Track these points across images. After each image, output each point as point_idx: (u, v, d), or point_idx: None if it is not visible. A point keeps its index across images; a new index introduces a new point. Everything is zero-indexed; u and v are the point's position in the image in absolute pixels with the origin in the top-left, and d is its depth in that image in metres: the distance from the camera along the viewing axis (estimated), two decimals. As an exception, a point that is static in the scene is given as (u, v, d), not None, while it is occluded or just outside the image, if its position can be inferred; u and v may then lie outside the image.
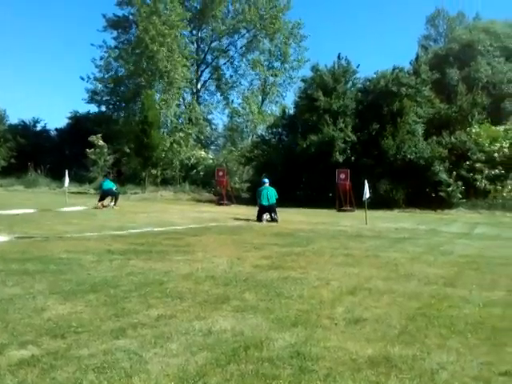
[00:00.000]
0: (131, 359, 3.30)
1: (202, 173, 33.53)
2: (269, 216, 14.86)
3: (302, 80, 30.51)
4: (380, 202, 22.05)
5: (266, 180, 15.74)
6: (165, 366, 3.21)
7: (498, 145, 25.11)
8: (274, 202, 15.17)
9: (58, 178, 29.62)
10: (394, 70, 27.06)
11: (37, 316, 4.19)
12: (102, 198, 18.45)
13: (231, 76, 44.05)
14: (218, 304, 4.78)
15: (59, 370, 3.10)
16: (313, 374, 3.15)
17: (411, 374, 3.21)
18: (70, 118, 42.46)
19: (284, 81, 43.57)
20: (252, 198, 16.64)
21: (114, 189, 19.18)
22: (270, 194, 15.12)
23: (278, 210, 15.39)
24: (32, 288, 5.15)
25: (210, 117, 43.57)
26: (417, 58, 29.34)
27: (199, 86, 43.28)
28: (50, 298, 4.79)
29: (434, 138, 25.53)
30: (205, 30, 42.89)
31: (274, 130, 30.82)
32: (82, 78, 40.50)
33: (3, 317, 4.13)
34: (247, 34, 42.06)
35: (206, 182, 31.54)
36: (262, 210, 14.95)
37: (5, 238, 8.81)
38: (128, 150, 33.38)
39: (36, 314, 4.26)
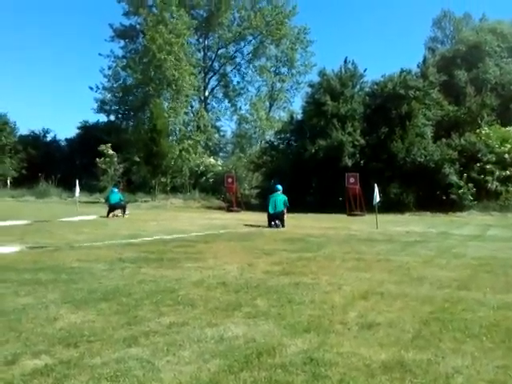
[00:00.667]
0: (144, 367, 3.30)
1: (211, 180, 33.65)
2: (274, 223, 14.73)
3: (310, 85, 30.56)
4: (390, 206, 21.97)
5: (279, 187, 15.50)
6: (177, 373, 3.20)
7: (509, 146, 24.96)
8: (281, 210, 14.93)
9: (69, 188, 29.86)
10: (401, 72, 27.04)
11: (49, 325, 4.20)
12: (110, 211, 18.56)
13: (238, 83, 44.33)
14: (229, 311, 4.76)
15: (72, 379, 3.10)
16: (326, 380, 3.12)
17: (426, 379, 3.17)
18: (79, 128, 42.89)
19: (291, 86, 43.82)
20: (262, 204, 16.67)
21: (121, 201, 19.31)
22: (278, 202, 14.90)
23: (287, 215, 15.31)
24: (44, 297, 5.16)
25: (218, 124, 43.92)
26: (424, 61, 29.34)
27: (207, 94, 43.52)
28: (62, 307, 4.80)
29: (444, 140, 25.43)
30: (211, 38, 43.23)
31: (283, 135, 30.89)
32: (91, 88, 41.02)
33: (16, 326, 4.15)
34: (253, 41, 42.28)
35: (216, 189, 31.64)
36: (270, 217, 14.90)
37: (17, 248, 8.86)
38: (137, 159, 33.58)
39: (49, 323, 4.27)
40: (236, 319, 4.48)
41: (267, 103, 43.52)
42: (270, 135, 37.65)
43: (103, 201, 22.82)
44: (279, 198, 15.11)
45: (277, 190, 15.42)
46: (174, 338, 3.90)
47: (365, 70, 28.33)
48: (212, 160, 36.01)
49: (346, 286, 6.01)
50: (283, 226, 14.77)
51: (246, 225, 15.50)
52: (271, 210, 14.84)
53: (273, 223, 14.71)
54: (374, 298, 5.38)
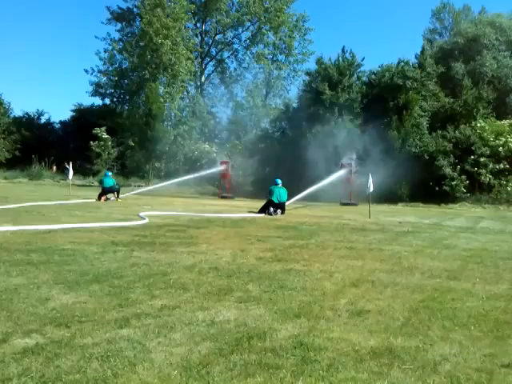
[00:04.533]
0: (135, 348, 3.32)
1: (205, 166, 33.54)
2: (273, 210, 14.96)
3: (307, 73, 30.44)
4: (384, 196, 22.02)
5: (279, 181, 16.10)
6: (168, 355, 3.23)
7: (503, 139, 25.02)
8: (284, 201, 15.69)
9: (62, 171, 29.72)
10: (399, 63, 27.00)
11: (41, 305, 4.21)
12: (103, 194, 18.55)
13: (235, 69, 44.06)
14: (221, 295, 4.79)
15: (63, 358, 3.11)
16: (315, 365, 3.16)
17: (414, 365, 3.21)
18: (73, 111, 42.63)
19: (288, 74, 43.47)
20: (255, 191, 16.72)
21: (115, 185, 19.30)
22: (282, 193, 15.53)
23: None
24: (36, 278, 5.17)
25: (213, 110, 43.56)
26: (422, 52, 29.24)
27: (203, 79, 43.23)
28: (54, 288, 4.81)
29: (439, 131, 25.46)
30: (209, 23, 42.83)
31: (278, 123, 30.79)
32: (86, 71, 40.61)
33: (8, 306, 4.15)
34: (251, 27, 41.95)
35: (210, 176, 31.57)
36: (270, 204, 15.09)
37: (9, 230, 8.83)
38: (132, 143, 33.42)
39: (40, 303, 4.28)
40: (227, 303, 4.51)
41: (264, 90, 43.25)
42: (265, 123, 37.52)
43: (97, 184, 22.79)
44: (282, 190, 15.68)
45: (277, 184, 15.84)
46: (166, 321, 3.93)
47: (362, 59, 28.28)
48: (207, 146, 35.88)
49: (337, 273, 6.05)
50: (283, 213, 15.26)
51: (240, 211, 15.52)
52: (275, 200, 15.26)
53: (272, 209, 14.97)
54: (364, 286, 5.43)
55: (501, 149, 24.64)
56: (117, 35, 41.10)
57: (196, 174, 26.79)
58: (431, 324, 4.14)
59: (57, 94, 78.09)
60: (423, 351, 3.50)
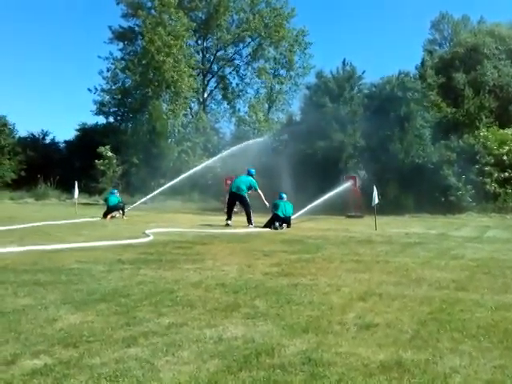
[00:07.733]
0: (143, 367, 3.31)
1: (210, 182, 33.60)
2: (278, 224, 14.97)
3: (308, 87, 30.61)
4: (389, 208, 21.97)
5: (284, 195, 16.17)
6: (176, 373, 3.21)
7: (507, 148, 25.01)
8: (290, 215, 15.66)
9: (68, 190, 29.85)
10: (399, 74, 27.13)
11: (49, 326, 4.21)
12: (108, 212, 18.60)
13: (237, 85, 44.43)
14: (228, 311, 4.77)
15: (72, 378, 3.11)
16: (324, 380, 3.14)
17: (424, 379, 3.19)
18: (78, 130, 42.96)
19: (290, 88, 43.75)
20: (259, 206, 16.73)
21: (119, 203, 19.37)
22: (287, 208, 15.54)
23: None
24: (44, 298, 5.17)
25: (217, 126, 43.83)
26: (422, 63, 29.43)
27: (206, 96, 43.58)
28: (61, 308, 4.80)
29: (442, 142, 25.46)
30: (210, 40, 43.31)
31: (281, 137, 30.89)
32: (90, 90, 41.08)
33: (16, 327, 4.15)
34: (252, 43, 42.38)
35: (215, 191, 31.60)
36: (275, 219, 15.11)
37: (16, 250, 8.85)
38: (136, 161, 33.57)
39: (48, 324, 4.28)
40: (235, 320, 4.49)
41: (266, 105, 43.53)
42: (268, 137, 37.64)
43: (103, 202, 22.90)
44: (288, 204, 15.70)
45: (281, 198, 15.90)
46: (173, 339, 3.91)
47: (363, 72, 28.48)
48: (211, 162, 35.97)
49: (344, 287, 6.02)
50: (289, 227, 15.30)
51: (245, 226, 15.51)
52: (281, 214, 15.28)
53: (277, 224, 14.96)
54: (372, 299, 5.39)
55: (505, 157, 24.62)
56: (119, 54, 41.72)
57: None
58: (440, 336, 4.10)
59: (61, 114, 78.67)
60: (433, 364, 3.47)
